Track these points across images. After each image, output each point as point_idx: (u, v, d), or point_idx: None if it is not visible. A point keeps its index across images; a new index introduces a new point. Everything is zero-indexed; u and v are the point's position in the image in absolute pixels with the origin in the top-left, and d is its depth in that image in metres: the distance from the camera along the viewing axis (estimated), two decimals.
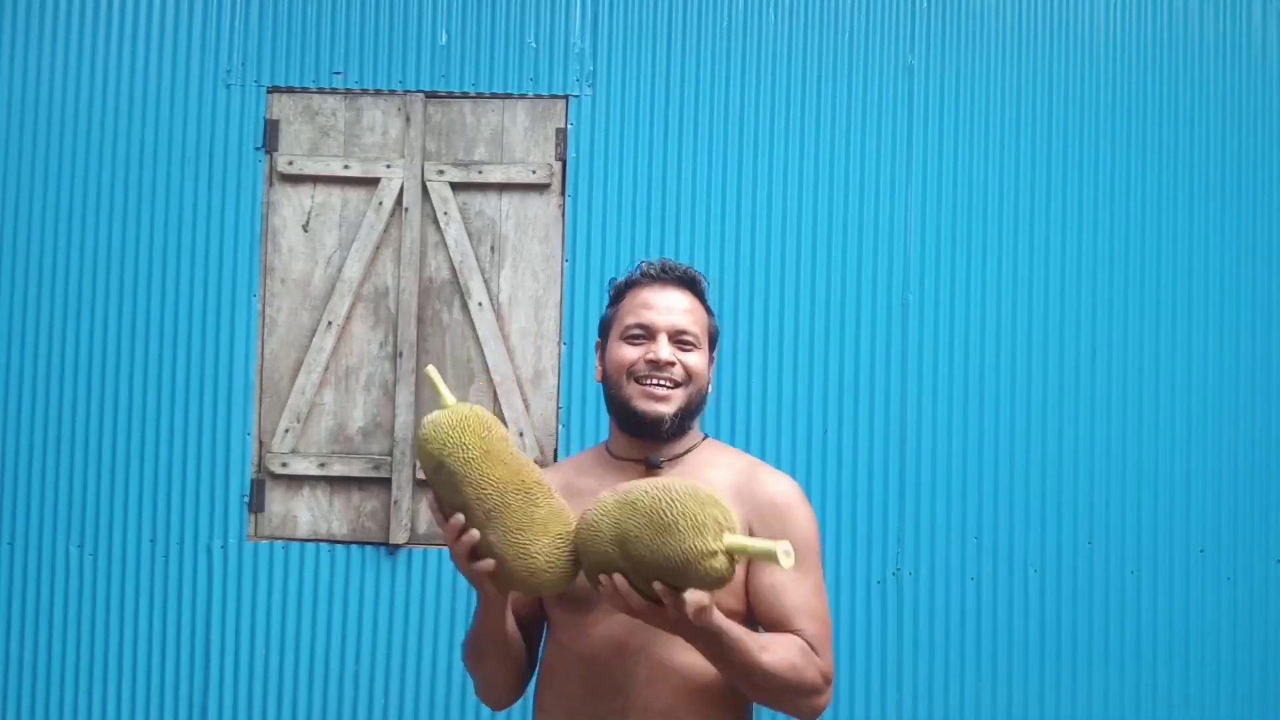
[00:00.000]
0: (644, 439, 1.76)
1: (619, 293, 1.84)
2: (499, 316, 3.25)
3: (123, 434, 3.21)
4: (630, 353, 1.75)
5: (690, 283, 1.82)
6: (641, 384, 1.73)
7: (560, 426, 3.21)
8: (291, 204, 3.29)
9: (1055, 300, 3.24)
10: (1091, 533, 3.20)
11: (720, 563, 1.41)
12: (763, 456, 3.17)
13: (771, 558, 1.38)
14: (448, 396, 1.62)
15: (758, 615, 1.75)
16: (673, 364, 1.73)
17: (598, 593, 1.56)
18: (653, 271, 1.81)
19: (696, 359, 1.76)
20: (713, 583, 1.42)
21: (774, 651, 1.61)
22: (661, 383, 1.73)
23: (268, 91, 3.29)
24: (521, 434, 3.21)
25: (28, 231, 3.25)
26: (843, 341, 3.23)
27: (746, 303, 3.23)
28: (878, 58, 3.30)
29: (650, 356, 1.73)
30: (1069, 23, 3.31)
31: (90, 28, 3.30)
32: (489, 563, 1.56)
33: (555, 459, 3.20)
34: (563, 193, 3.27)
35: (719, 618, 1.53)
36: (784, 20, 3.31)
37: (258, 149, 3.28)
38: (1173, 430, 3.22)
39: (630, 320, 1.77)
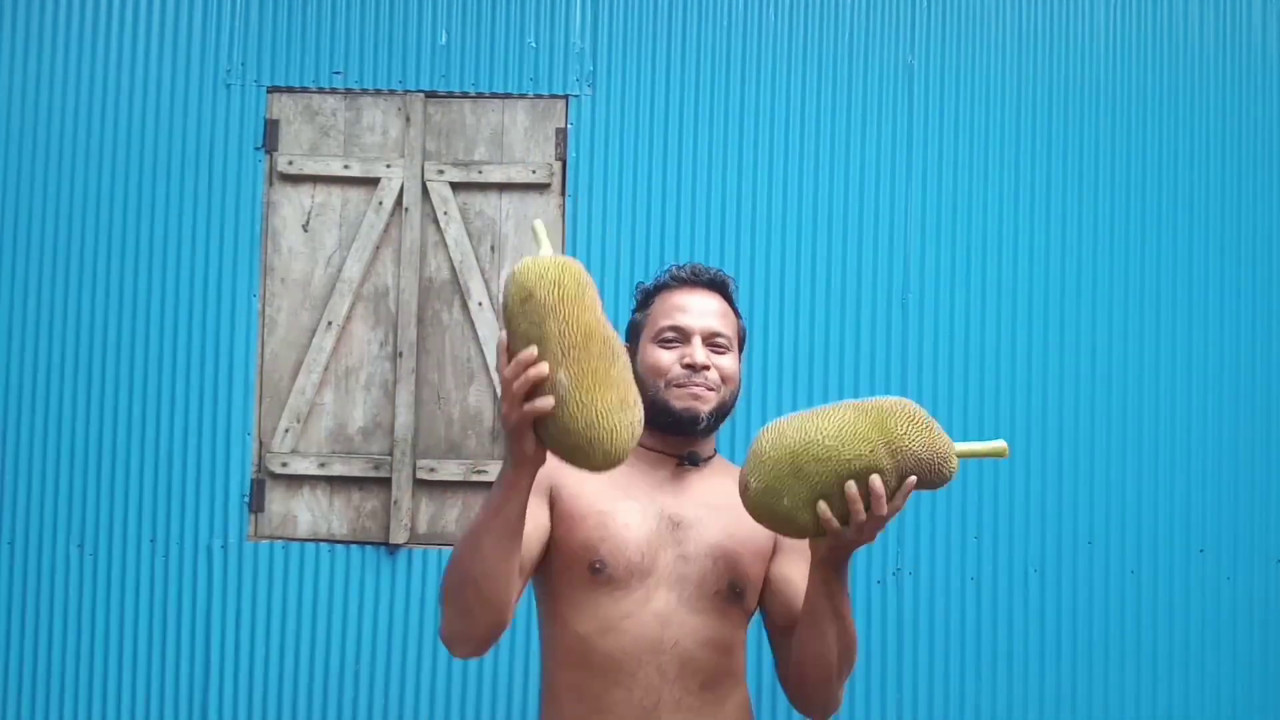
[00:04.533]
0: (679, 435, 1.76)
1: (647, 297, 1.84)
2: (499, 316, 3.25)
3: (123, 434, 3.21)
4: (665, 356, 1.75)
5: (720, 285, 1.83)
6: (679, 386, 1.74)
7: None
8: (291, 204, 3.29)
9: (1055, 300, 3.24)
10: (1091, 533, 3.20)
11: (957, 463, 1.59)
12: None
13: (999, 454, 1.59)
14: (547, 248, 1.52)
15: (778, 609, 1.77)
16: (708, 367, 1.73)
17: (799, 518, 1.51)
18: (683, 274, 1.81)
19: (730, 361, 1.77)
20: (946, 482, 1.57)
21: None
22: (698, 385, 1.74)
23: (268, 91, 3.29)
24: None
25: (27, 231, 3.25)
26: (843, 341, 3.23)
27: (746, 302, 3.22)
28: (878, 58, 3.30)
29: (686, 361, 1.73)
30: (1069, 23, 3.31)
31: (90, 28, 3.30)
32: (548, 400, 1.41)
33: None
34: (563, 193, 3.27)
35: None
36: (784, 20, 3.31)
37: (258, 149, 3.28)
38: (1173, 430, 3.22)
39: (664, 323, 1.76)
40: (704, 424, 1.74)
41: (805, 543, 1.69)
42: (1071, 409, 3.22)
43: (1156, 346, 3.24)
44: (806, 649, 1.67)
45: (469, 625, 1.58)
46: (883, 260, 3.25)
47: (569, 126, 3.27)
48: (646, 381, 1.74)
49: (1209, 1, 3.33)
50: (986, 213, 3.27)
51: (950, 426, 3.19)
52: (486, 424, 3.25)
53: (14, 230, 3.25)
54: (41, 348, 3.23)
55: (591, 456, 1.45)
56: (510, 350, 1.46)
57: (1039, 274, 3.25)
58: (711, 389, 1.74)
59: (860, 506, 1.50)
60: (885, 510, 1.51)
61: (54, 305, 3.24)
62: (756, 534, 1.74)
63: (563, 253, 3.24)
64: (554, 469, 1.64)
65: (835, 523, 1.51)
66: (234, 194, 3.26)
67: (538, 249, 1.52)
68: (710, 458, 1.83)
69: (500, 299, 1.51)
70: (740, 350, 1.84)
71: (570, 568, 1.70)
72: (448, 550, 3.18)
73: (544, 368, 1.42)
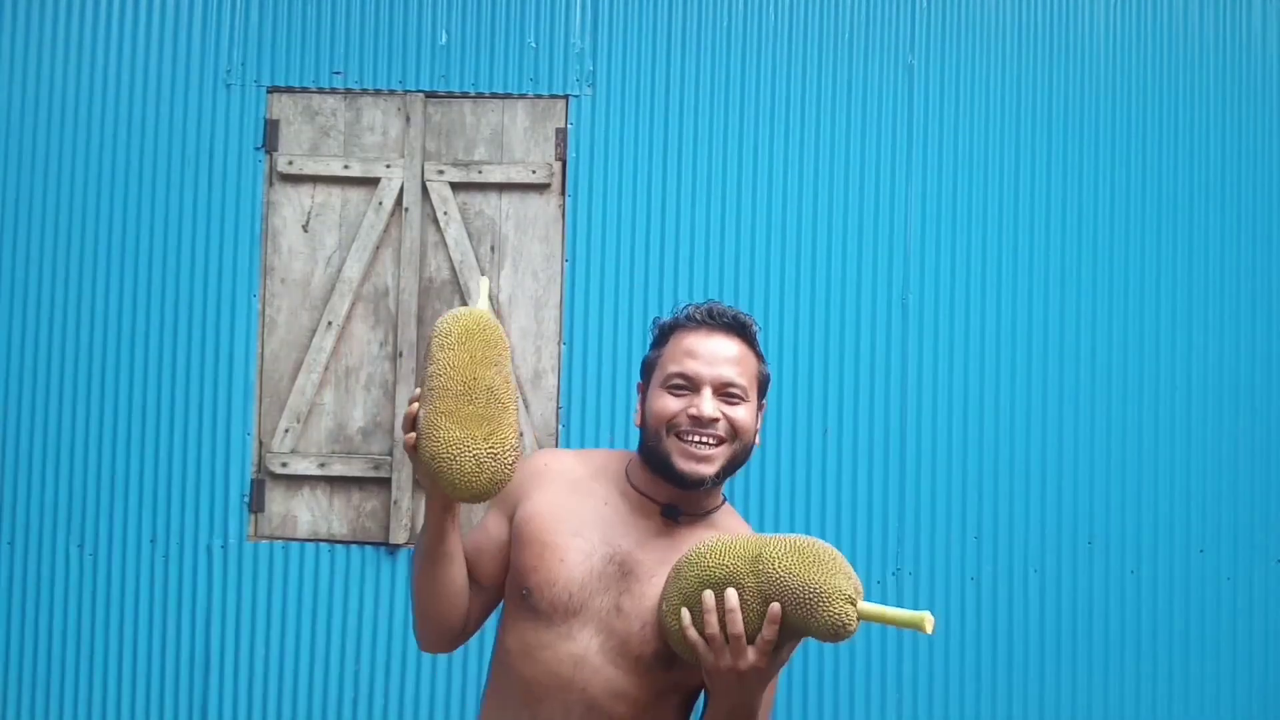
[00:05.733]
0: (681, 488, 1.65)
1: (663, 334, 1.71)
2: (499, 316, 3.25)
3: (123, 434, 3.21)
4: (672, 404, 1.63)
5: (740, 329, 1.68)
6: (682, 440, 1.62)
7: (560, 426, 3.21)
8: (291, 204, 3.29)
9: (1055, 300, 3.24)
10: (1091, 533, 3.20)
11: (851, 614, 1.41)
12: (763, 457, 3.18)
13: (917, 626, 1.38)
14: (484, 302, 1.62)
15: None
16: (717, 420, 1.61)
17: (668, 623, 1.49)
18: (699, 316, 1.67)
19: (743, 413, 1.64)
20: (833, 629, 1.41)
21: None
22: (704, 440, 1.61)
23: (268, 91, 3.29)
24: (521, 434, 3.20)
25: (28, 232, 3.25)
26: (843, 342, 3.23)
27: (746, 303, 3.23)
28: (878, 58, 3.30)
29: (693, 412, 1.61)
30: (1069, 23, 3.31)
31: (90, 28, 3.30)
32: (410, 436, 1.53)
33: None
34: (563, 193, 3.27)
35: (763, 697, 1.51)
36: (784, 20, 3.31)
37: (258, 149, 3.28)
38: (1172, 431, 3.22)
39: (673, 369, 1.64)
40: (708, 484, 1.63)
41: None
42: (1071, 409, 3.22)
43: (1156, 346, 3.24)
44: None
45: (425, 632, 1.71)
46: (883, 260, 3.25)
47: (569, 126, 3.27)
48: (651, 428, 1.65)
49: (1209, 2, 3.33)
50: (986, 213, 3.26)
51: (950, 427, 3.19)
52: None
53: (14, 230, 3.25)
54: (41, 348, 3.23)
55: (440, 486, 1.53)
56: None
57: (1039, 274, 3.25)
58: (721, 441, 1.62)
59: (714, 618, 1.44)
60: (739, 628, 1.42)
61: (54, 305, 3.24)
62: None
63: (562, 255, 3.25)
64: (523, 486, 1.70)
65: (692, 632, 1.47)
66: (234, 194, 3.26)
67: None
68: (712, 511, 1.71)
69: None
70: (761, 396, 1.70)
71: (511, 585, 1.67)
72: None
73: (414, 407, 1.54)
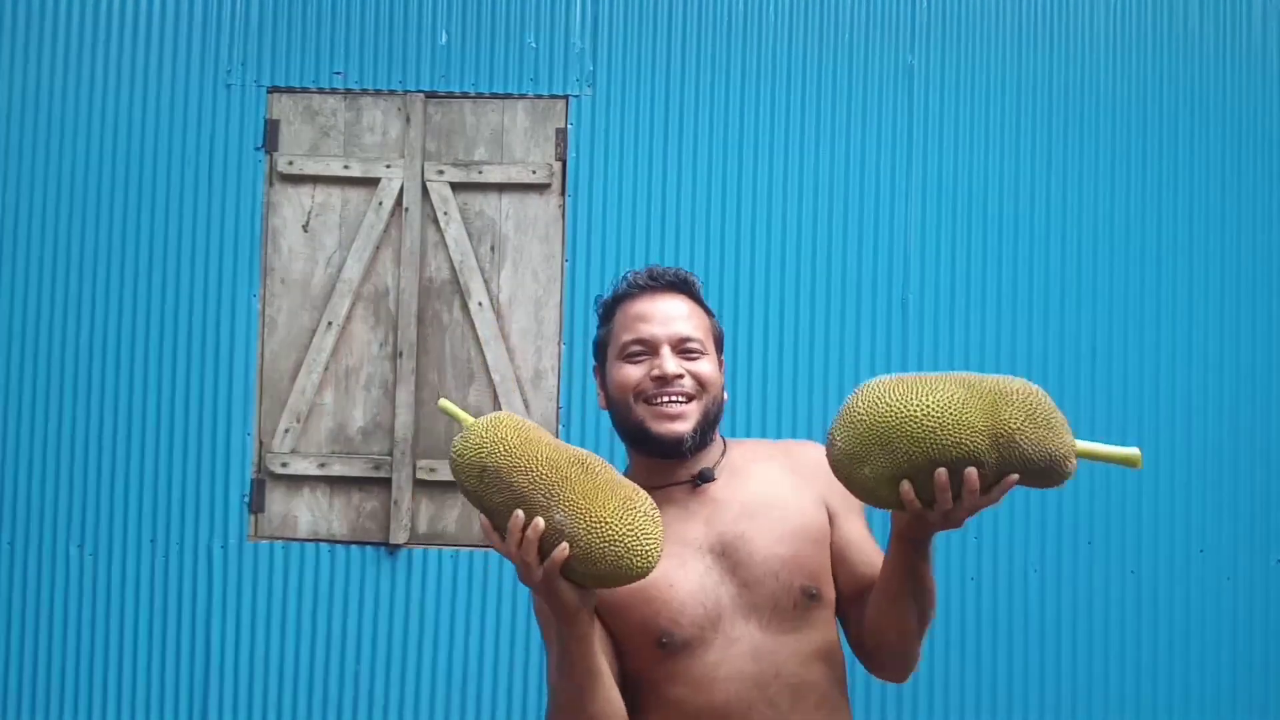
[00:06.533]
0: (666, 460, 1.60)
1: (608, 310, 1.67)
2: (499, 316, 3.25)
3: (123, 434, 3.21)
4: (633, 372, 1.59)
5: (684, 285, 1.65)
6: (652, 404, 1.58)
7: (560, 426, 3.21)
8: (291, 204, 3.29)
9: (1055, 300, 3.24)
10: (1091, 533, 3.20)
11: (1074, 467, 1.40)
12: None
13: (1132, 463, 1.36)
14: (469, 419, 1.48)
15: (844, 576, 1.64)
16: (681, 376, 1.58)
17: (876, 489, 1.40)
18: (641, 281, 1.64)
19: (707, 366, 1.61)
20: (1059, 484, 1.41)
21: None
22: (674, 399, 1.58)
23: (268, 91, 3.29)
24: None
25: (28, 232, 3.25)
26: (843, 341, 3.23)
27: (746, 303, 3.23)
28: (878, 57, 3.29)
29: (656, 373, 1.57)
30: (1069, 23, 3.31)
31: (91, 28, 3.30)
32: (563, 548, 1.36)
33: None
34: (563, 193, 3.27)
35: None
36: (784, 20, 3.31)
37: (258, 149, 3.28)
38: (1172, 430, 3.22)
39: (627, 337, 1.61)
40: (689, 443, 1.58)
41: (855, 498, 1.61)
42: (1071, 409, 3.21)
43: (1156, 346, 3.24)
44: (886, 620, 1.57)
45: None
46: (883, 260, 3.25)
47: (569, 126, 3.27)
48: (619, 402, 1.61)
49: (1209, 2, 3.32)
50: (986, 213, 3.26)
51: None
52: None
53: (14, 231, 3.25)
54: (42, 348, 3.23)
55: (631, 567, 1.40)
56: (497, 528, 1.42)
57: (1039, 274, 3.25)
58: (690, 398, 1.59)
59: (948, 496, 1.38)
60: (977, 503, 1.39)
61: (54, 305, 3.24)
62: (809, 519, 1.62)
63: (562, 255, 3.25)
64: None
65: (917, 504, 1.39)
66: (234, 194, 3.26)
67: (459, 426, 1.47)
68: (721, 456, 1.66)
69: (459, 488, 1.47)
70: (719, 351, 1.67)
71: (640, 650, 1.57)
72: (448, 550, 3.18)
73: (539, 522, 1.38)
